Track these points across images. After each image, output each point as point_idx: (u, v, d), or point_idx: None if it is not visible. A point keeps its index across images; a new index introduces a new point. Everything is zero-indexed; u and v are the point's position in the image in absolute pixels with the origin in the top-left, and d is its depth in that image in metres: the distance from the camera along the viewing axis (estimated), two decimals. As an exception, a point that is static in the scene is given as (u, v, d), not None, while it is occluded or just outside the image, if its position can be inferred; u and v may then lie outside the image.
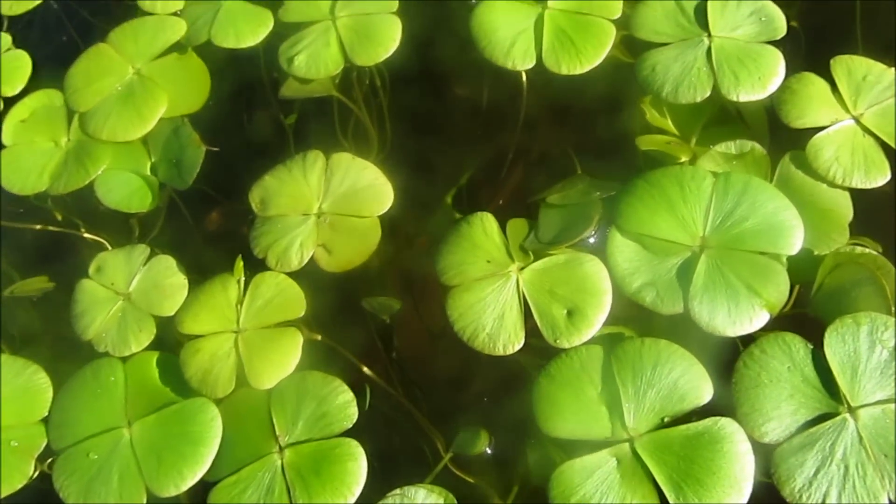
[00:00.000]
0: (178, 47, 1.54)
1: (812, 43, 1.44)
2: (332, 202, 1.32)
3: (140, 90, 1.48)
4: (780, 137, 1.35)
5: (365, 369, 1.34)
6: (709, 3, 1.41)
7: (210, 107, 1.51)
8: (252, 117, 1.59)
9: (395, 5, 1.50)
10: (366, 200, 1.33)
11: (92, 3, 1.74)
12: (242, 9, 1.54)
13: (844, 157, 1.28)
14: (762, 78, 1.34)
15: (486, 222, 1.28)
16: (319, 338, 1.32)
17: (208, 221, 1.58)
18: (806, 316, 1.22)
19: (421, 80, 1.57)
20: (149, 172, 1.45)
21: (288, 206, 1.33)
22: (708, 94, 1.34)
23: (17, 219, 1.54)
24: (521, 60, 1.41)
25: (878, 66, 1.35)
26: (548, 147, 1.49)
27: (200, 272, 1.36)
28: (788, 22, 1.39)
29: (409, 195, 1.39)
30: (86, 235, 1.49)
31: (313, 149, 1.40)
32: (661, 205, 1.24)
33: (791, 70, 1.35)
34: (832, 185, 1.28)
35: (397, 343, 1.38)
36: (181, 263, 1.34)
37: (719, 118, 1.41)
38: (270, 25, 1.52)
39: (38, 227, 1.52)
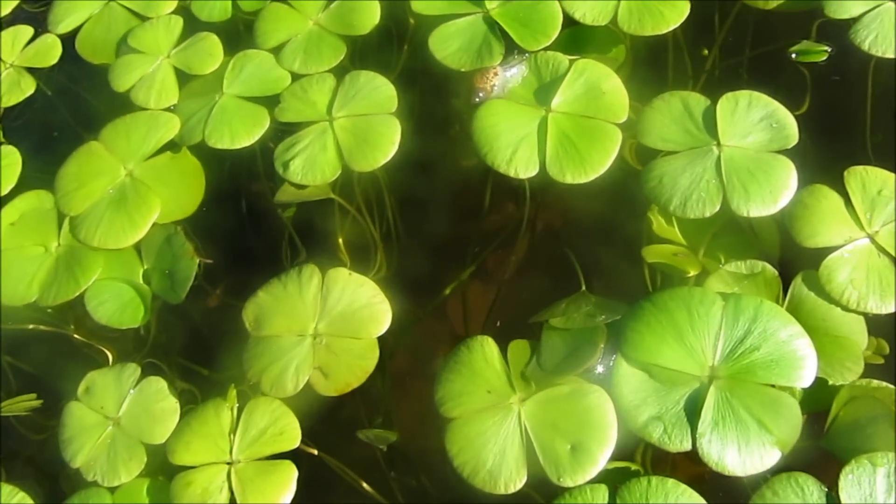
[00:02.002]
0: (172, 145, 1.50)
1: (820, 147, 1.39)
2: (328, 322, 1.28)
3: (132, 194, 1.44)
4: (791, 249, 1.30)
5: (365, 485, 1.31)
6: (718, 108, 1.36)
7: (206, 206, 1.47)
8: (250, 214, 1.54)
9: (395, 104, 1.46)
10: (363, 321, 1.28)
11: (85, 95, 1.70)
12: (237, 106, 1.50)
13: (859, 279, 1.23)
14: (773, 192, 1.29)
15: (486, 348, 1.24)
16: (316, 452, 1.28)
17: (210, 298, 1.55)
18: (819, 447, 1.18)
19: (422, 180, 1.52)
20: (141, 281, 1.41)
21: (283, 326, 1.29)
22: (717, 209, 1.29)
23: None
24: (523, 169, 1.36)
25: (893, 179, 1.30)
26: (551, 253, 1.44)
27: (202, 355, 1.32)
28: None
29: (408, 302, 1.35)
30: (76, 337, 1.45)
31: (310, 259, 1.37)
32: (669, 331, 1.19)
33: (800, 175, 1.30)
34: (846, 309, 1.23)
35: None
36: (180, 352, 1.31)
37: (729, 227, 1.36)
38: (266, 124, 1.48)
39: (31, 326, 1.49)
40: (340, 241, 1.46)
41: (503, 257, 1.45)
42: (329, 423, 1.36)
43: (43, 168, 1.55)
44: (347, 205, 1.47)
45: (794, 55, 1.48)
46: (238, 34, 1.63)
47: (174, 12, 1.66)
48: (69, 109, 1.70)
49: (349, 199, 1.49)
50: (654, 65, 1.56)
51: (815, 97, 1.45)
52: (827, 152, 1.39)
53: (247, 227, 1.55)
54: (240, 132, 1.47)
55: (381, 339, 1.28)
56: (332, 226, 1.48)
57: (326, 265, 1.35)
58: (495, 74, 1.44)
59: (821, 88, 1.46)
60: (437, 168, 1.52)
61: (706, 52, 1.60)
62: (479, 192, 1.48)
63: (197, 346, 1.50)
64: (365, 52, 1.63)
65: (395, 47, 1.62)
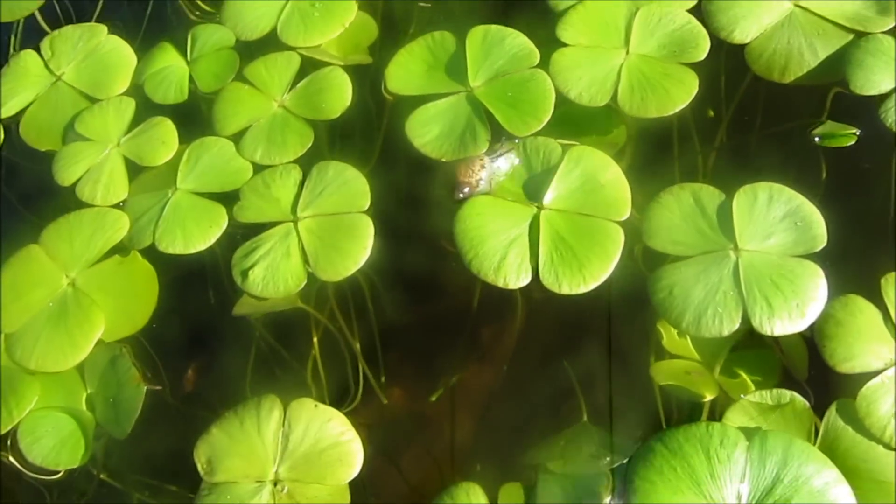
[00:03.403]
0: (120, 248, 1.34)
1: (850, 246, 1.22)
2: (290, 465, 1.11)
3: (74, 308, 1.28)
4: (822, 367, 1.13)
5: None
6: (734, 204, 1.19)
7: (160, 318, 1.31)
8: (210, 324, 1.38)
9: (367, 201, 1.29)
10: (330, 463, 1.11)
11: (26, 194, 1.54)
12: (192, 204, 1.33)
13: (904, 412, 1.06)
14: (800, 305, 1.12)
15: (472, 497, 1.07)
16: None
17: (185, 381, 1.39)
18: None
19: (404, 283, 1.36)
20: (84, 407, 1.25)
21: (239, 470, 1.12)
22: (736, 326, 1.12)
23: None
24: (514, 277, 1.20)
25: (939, 287, 1.13)
26: (547, 368, 1.28)
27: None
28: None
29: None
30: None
31: (281, 375, 1.22)
32: (685, 481, 1.02)
33: (829, 281, 1.13)
34: (889, 447, 1.06)
35: None
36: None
37: (749, 339, 1.20)
38: (224, 225, 1.31)
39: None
40: (313, 356, 1.30)
41: (493, 372, 1.29)
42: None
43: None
44: (319, 315, 1.31)
45: (817, 138, 1.31)
46: (198, 116, 1.47)
47: (126, 93, 1.49)
48: (12, 202, 1.54)
49: (323, 305, 1.33)
50: (658, 144, 1.39)
51: (840, 185, 1.28)
52: (859, 252, 1.22)
53: (207, 339, 1.39)
54: (194, 235, 1.30)
55: (352, 484, 1.12)
56: (305, 333, 1.32)
57: (294, 390, 1.19)
58: (482, 167, 1.27)
59: (846, 174, 1.30)
60: (422, 269, 1.35)
61: (712, 112, 1.44)
62: (467, 298, 1.31)
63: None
64: (341, 135, 1.47)
65: (374, 129, 1.46)
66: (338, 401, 1.29)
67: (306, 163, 1.34)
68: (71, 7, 1.77)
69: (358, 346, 1.33)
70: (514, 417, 1.26)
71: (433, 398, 1.31)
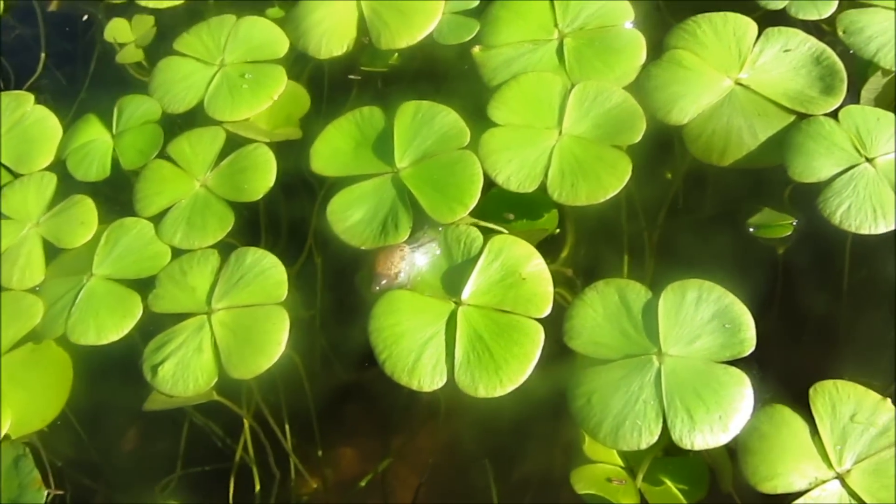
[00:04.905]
0: (34, 335, 1.29)
1: (784, 346, 1.17)
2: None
3: (-20, 404, 1.24)
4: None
5: None
6: (660, 303, 1.14)
7: (73, 410, 1.27)
8: (124, 417, 1.34)
9: (284, 292, 1.24)
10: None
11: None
12: (108, 292, 1.29)
13: (828, 539, 1.01)
14: (723, 417, 1.06)
15: None
16: None
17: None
18: None
19: (328, 380, 1.32)
20: (-14, 508, 1.21)
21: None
22: (655, 439, 1.07)
23: None
24: (428, 380, 1.14)
25: (870, 398, 1.07)
26: (467, 475, 1.23)
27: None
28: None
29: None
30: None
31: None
32: None
33: (758, 386, 1.08)
34: (814, 574, 1.01)
35: None
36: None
37: (674, 445, 1.14)
38: (138, 315, 1.26)
39: None
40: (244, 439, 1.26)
41: (411, 476, 1.24)
42: None
43: None
44: (236, 407, 1.26)
45: (752, 228, 1.25)
46: (122, 193, 1.42)
47: (50, 167, 1.45)
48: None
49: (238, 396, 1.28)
50: (598, 231, 1.35)
51: (779, 279, 1.23)
52: (792, 354, 1.16)
53: (124, 434, 1.35)
54: (107, 325, 1.26)
55: None
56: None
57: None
58: (401, 258, 1.22)
59: (785, 267, 1.24)
60: (346, 365, 1.31)
61: (669, 175, 1.39)
62: (390, 400, 1.26)
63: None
64: (272, 214, 1.42)
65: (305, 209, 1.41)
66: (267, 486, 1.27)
67: (226, 250, 1.30)
68: (10, 67, 1.74)
69: (287, 427, 1.29)
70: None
71: (362, 483, 1.28)
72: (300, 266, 1.39)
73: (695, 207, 1.39)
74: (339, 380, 1.36)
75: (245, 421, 1.28)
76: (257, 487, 1.26)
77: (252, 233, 1.38)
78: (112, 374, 1.31)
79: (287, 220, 1.42)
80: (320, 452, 1.30)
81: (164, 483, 1.28)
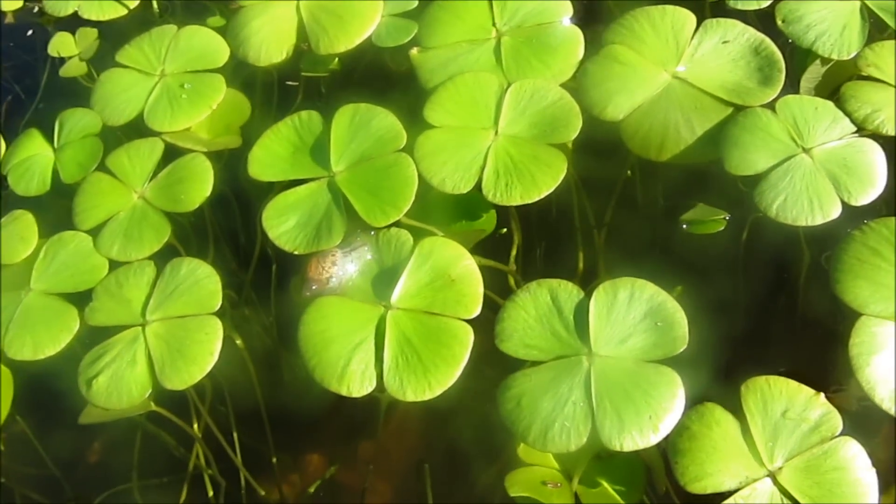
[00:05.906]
0: (-26, 352, 1.29)
1: (719, 341, 1.15)
2: None
3: (-84, 420, 1.24)
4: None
5: None
6: (592, 303, 1.12)
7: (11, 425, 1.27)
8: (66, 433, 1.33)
9: (218, 302, 1.22)
10: None
11: None
12: (44, 306, 1.28)
13: (757, 538, 0.98)
14: (653, 418, 1.04)
15: None
16: None
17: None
18: None
19: (268, 388, 1.30)
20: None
21: None
22: (584, 441, 1.05)
23: None
24: (357, 385, 1.13)
25: (803, 393, 1.04)
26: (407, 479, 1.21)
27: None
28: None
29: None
30: None
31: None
32: None
33: (691, 383, 1.06)
34: (743, 575, 0.98)
35: None
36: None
37: (610, 447, 1.12)
38: (75, 329, 1.25)
39: None
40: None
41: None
42: None
43: None
44: (176, 418, 1.25)
45: (685, 225, 1.23)
46: (64, 208, 1.42)
47: (-8, 183, 1.46)
48: None
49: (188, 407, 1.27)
50: (549, 230, 1.33)
51: (711, 273, 1.20)
52: (727, 348, 1.14)
53: (89, 446, 1.35)
54: (44, 340, 1.25)
55: None
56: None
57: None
58: (333, 263, 1.21)
59: (720, 261, 1.22)
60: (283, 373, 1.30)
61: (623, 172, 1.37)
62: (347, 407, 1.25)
63: None
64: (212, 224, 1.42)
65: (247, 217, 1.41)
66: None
67: (163, 261, 1.29)
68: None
69: (235, 435, 1.29)
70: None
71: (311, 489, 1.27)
72: (252, 273, 1.38)
73: (647, 203, 1.37)
74: (296, 385, 1.34)
75: (195, 430, 1.27)
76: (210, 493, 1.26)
77: (203, 241, 1.38)
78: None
79: (244, 227, 1.41)
80: (275, 459, 1.30)
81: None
